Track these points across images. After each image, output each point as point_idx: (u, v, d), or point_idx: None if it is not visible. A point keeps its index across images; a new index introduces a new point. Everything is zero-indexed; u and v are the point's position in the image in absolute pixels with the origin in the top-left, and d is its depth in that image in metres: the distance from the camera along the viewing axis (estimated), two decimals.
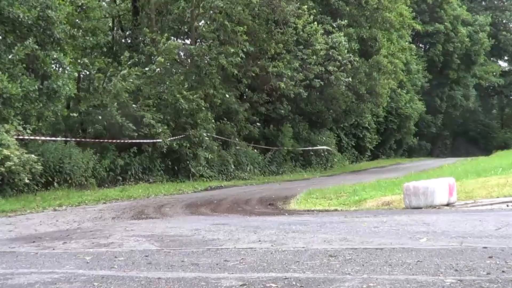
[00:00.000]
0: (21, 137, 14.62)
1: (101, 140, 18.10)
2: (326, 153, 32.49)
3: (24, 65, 15.49)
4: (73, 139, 17.65)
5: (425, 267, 4.05)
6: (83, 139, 17.93)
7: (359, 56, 30.86)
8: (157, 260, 5.19)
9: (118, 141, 18.40)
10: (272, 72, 25.09)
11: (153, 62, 21.01)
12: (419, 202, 9.75)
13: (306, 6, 25.82)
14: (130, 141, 18.64)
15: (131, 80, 19.19)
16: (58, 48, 16.34)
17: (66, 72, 16.97)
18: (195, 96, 20.71)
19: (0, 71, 14.62)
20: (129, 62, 19.95)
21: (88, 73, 19.62)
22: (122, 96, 18.72)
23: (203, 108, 21.28)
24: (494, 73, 64.03)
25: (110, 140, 18.30)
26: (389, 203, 10.61)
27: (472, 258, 4.30)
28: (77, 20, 18.55)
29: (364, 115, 36.71)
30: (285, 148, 28.59)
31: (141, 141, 18.99)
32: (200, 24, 24.47)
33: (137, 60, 20.81)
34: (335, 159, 34.29)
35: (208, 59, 21.66)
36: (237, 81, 25.84)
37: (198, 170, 21.31)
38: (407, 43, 40.06)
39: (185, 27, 25.25)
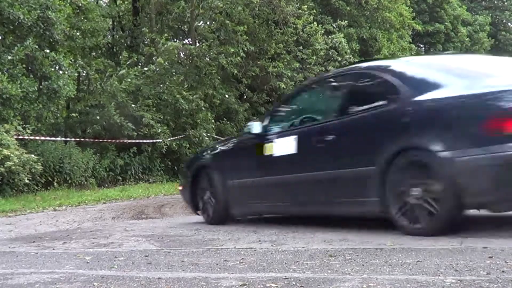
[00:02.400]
0: (21, 137, 14.63)
1: (101, 140, 18.12)
2: None
3: (24, 65, 15.48)
4: (73, 139, 17.67)
5: (425, 267, 4.05)
6: (82, 139, 17.95)
7: (359, 56, 30.84)
8: (157, 260, 5.19)
9: (117, 141, 18.41)
10: (272, 72, 25.10)
11: (152, 62, 21.01)
12: None
13: (306, 6, 25.84)
14: (129, 141, 18.66)
15: (129, 80, 19.20)
16: (54, 51, 16.30)
17: (66, 72, 16.96)
18: (194, 96, 20.71)
19: None
20: (128, 62, 19.96)
21: (86, 73, 19.64)
22: (119, 96, 18.73)
23: (203, 108, 21.28)
24: None
25: (109, 140, 18.32)
26: None
27: (472, 258, 4.30)
28: (75, 21, 18.50)
29: None
30: None
31: (141, 141, 19.00)
32: (200, 24, 24.47)
33: (136, 60, 20.80)
34: None
35: (208, 59, 21.66)
36: (237, 81, 25.84)
37: None
38: (407, 43, 40.04)
39: (185, 27, 25.26)
